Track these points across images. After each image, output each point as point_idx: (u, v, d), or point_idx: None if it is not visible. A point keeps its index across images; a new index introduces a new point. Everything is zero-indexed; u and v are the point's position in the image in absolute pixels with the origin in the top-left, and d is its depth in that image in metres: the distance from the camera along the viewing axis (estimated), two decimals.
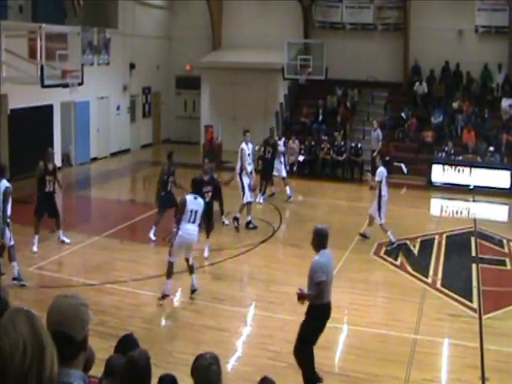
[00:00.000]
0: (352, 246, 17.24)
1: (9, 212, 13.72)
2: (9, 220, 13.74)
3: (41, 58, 18.62)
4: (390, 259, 16.35)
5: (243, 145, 18.98)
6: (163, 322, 12.63)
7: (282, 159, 22.89)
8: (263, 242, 17.50)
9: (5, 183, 13.67)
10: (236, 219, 18.45)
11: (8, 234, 13.59)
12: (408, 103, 29.35)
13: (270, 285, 14.28)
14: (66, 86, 20.01)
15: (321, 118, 29.64)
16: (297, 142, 27.29)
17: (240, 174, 18.69)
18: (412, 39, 30.16)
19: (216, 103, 31.64)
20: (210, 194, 15.92)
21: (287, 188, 22.45)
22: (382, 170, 17.64)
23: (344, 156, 26.13)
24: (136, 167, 29.07)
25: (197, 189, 13.27)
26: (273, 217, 19.99)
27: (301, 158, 26.69)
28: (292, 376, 10.20)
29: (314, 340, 9.70)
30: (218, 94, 31.57)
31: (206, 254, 15.69)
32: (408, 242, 17.82)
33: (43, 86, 19.01)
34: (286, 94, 31.24)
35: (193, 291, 13.24)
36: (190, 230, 12.87)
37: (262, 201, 21.58)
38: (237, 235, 18.16)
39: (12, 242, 13.71)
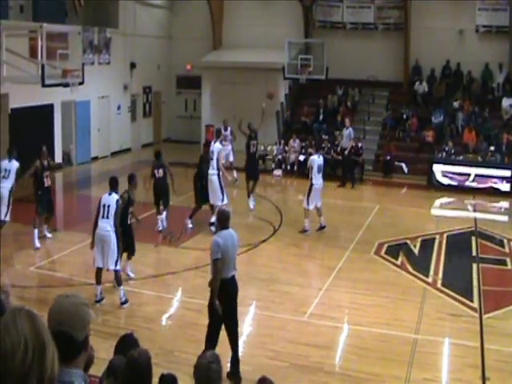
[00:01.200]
0: (352, 246, 17.26)
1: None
2: None
3: (41, 57, 18.61)
4: (390, 259, 16.35)
5: (220, 145, 18.91)
6: (164, 322, 12.60)
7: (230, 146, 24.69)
8: (264, 241, 17.51)
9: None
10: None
11: None
12: (409, 103, 29.34)
13: (270, 284, 14.28)
14: (66, 85, 20.00)
15: (321, 117, 29.63)
16: (297, 141, 27.29)
17: (218, 175, 18.28)
18: (413, 39, 30.13)
19: (217, 103, 31.60)
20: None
21: (234, 172, 23.48)
22: (312, 159, 18.43)
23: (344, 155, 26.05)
24: (137, 167, 28.85)
25: (114, 187, 13.10)
26: (273, 216, 19.98)
27: (301, 158, 26.68)
28: (292, 376, 10.23)
29: (217, 314, 9.87)
30: (218, 93, 31.54)
31: (130, 273, 14.25)
32: (409, 242, 17.83)
33: (44, 85, 18.99)
34: (286, 93, 31.23)
35: (121, 303, 12.84)
36: (102, 225, 12.73)
37: (252, 206, 21.03)
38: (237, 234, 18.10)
39: None
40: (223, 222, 10.08)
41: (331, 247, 17.33)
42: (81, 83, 20.60)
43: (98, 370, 5.82)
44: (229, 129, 25.04)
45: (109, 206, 12.70)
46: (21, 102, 23.46)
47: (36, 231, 16.38)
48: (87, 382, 3.24)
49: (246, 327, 12.34)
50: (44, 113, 25.28)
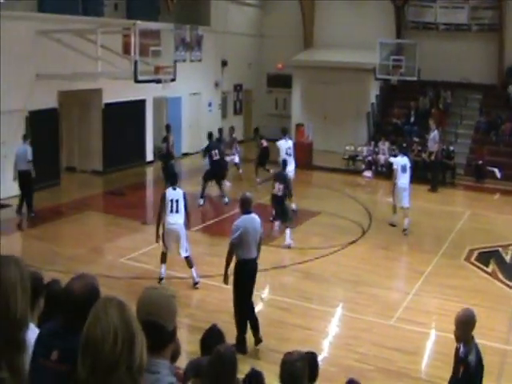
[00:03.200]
0: (442, 251, 16.89)
1: None
2: None
3: (134, 53, 18.94)
4: (481, 266, 15.92)
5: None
6: None
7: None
8: (352, 242, 17.34)
9: None
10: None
11: None
12: (503, 106, 28.57)
13: (357, 286, 14.15)
14: (158, 81, 20.28)
15: (412, 119, 29.19)
16: (387, 143, 26.91)
17: None
18: (507, 40, 29.33)
19: (307, 102, 31.53)
20: None
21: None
22: (395, 160, 19.08)
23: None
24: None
25: (173, 181, 13.78)
26: (362, 218, 19.76)
27: (392, 159, 26.24)
28: (379, 380, 10.08)
29: (242, 294, 10.79)
30: (309, 92, 31.45)
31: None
32: (500, 250, 17.33)
33: (136, 81, 19.33)
34: (377, 94, 30.90)
35: (195, 283, 13.59)
36: (172, 220, 13.27)
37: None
38: (325, 235, 18.03)
39: None
40: (245, 206, 10.85)
41: (420, 251, 17.02)
42: (172, 80, 20.85)
43: (183, 362, 5.83)
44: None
45: (177, 201, 13.22)
46: (114, 97, 24.00)
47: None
48: (173, 372, 3.33)
49: (332, 328, 12.29)
50: (136, 108, 25.75)
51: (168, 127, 20.30)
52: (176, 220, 13.23)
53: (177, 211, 13.19)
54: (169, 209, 13.20)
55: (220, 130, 24.16)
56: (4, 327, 2.59)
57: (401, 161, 18.65)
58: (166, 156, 19.68)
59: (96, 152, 24.56)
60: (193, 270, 13.55)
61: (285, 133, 20.32)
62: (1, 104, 19.47)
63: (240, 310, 10.89)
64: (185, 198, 13.31)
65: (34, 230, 17.82)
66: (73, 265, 14.36)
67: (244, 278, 10.74)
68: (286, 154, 19.19)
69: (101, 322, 2.52)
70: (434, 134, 24.91)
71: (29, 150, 18.03)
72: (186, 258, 13.55)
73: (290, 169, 19.02)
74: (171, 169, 19.50)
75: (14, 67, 19.88)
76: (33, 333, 3.89)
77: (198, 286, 13.54)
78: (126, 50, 21.36)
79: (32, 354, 3.67)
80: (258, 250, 10.91)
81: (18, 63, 20.00)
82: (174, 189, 13.38)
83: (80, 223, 18.41)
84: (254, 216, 10.85)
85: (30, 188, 18.35)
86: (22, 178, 18.16)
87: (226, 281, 11.06)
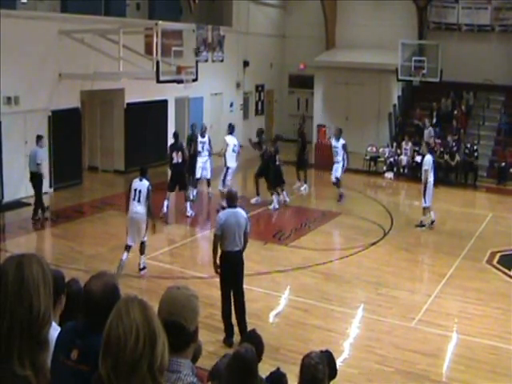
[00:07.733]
0: (464, 253, 16.76)
1: None
2: None
3: (156, 54, 19.00)
4: (502, 269, 15.78)
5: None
6: (271, 319, 12.61)
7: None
8: (373, 244, 17.28)
9: None
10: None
11: None
12: None
13: (379, 288, 14.08)
14: (180, 81, 20.32)
15: (434, 120, 29.01)
16: (410, 143, 26.78)
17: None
18: None
19: (329, 103, 31.50)
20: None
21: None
22: (428, 158, 18.90)
23: (457, 160, 25.38)
24: (248, 164, 29.05)
25: (144, 174, 14.10)
26: (383, 219, 19.69)
27: (418, 159, 25.97)
28: (398, 382, 10.05)
29: (222, 284, 11.28)
30: (330, 93, 31.43)
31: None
32: None
33: (158, 81, 19.38)
34: (399, 95, 30.76)
35: (140, 269, 14.21)
36: (133, 208, 13.81)
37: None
38: (346, 236, 17.99)
39: None
40: (230, 201, 11.38)
41: (442, 253, 16.91)
42: (194, 80, 20.89)
43: (206, 363, 5.83)
44: (206, 136, 22.05)
45: (140, 191, 13.77)
46: (136, 97, 24.09)
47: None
48: (194, 372, 3.31)
49: (352, 329, 12.26)
50: (158, 108, 25.84)
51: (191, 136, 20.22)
52: (137, 209, 13.76)
53: (138, 200, 13.74)
54: (132, 197, 13.80)
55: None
56: (27, 325, 2.60)
57: (431, 159, 18.92)
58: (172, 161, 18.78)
59: (118, 152, 24.68)
60: (142, 256, 14.19)
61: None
62: (24, 103, 19.64)
63: (222, 301, 11.29)
64: (148, 190, 13.79)
65: (56, 229, 17.92)
66: (94, 263, 14.45)
67: (225, 269, 11.13)
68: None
69: (123, 321, 2.54)
70: (429, 130, 25.57)
71: (38, 152, 17.95)
72: (142, 243, 14.10)
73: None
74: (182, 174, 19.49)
75: (37, 67, 20.05)
76: (55, 331, 3.92)
77: (142, 272, 14.14)
78: (148, 50, 21.43)
79: (53, 352, 3.68)
80: (245, 244, 11.26)
81: (41, 63, 20.16)
82: (141, 180, 13.90)
83: (101, 222, 18.48)
84: (239, 210, 11.24)
85: (39, 191, 18.14)
86: (32, 179, 18.16)
87: (215, 269, 11.37)
